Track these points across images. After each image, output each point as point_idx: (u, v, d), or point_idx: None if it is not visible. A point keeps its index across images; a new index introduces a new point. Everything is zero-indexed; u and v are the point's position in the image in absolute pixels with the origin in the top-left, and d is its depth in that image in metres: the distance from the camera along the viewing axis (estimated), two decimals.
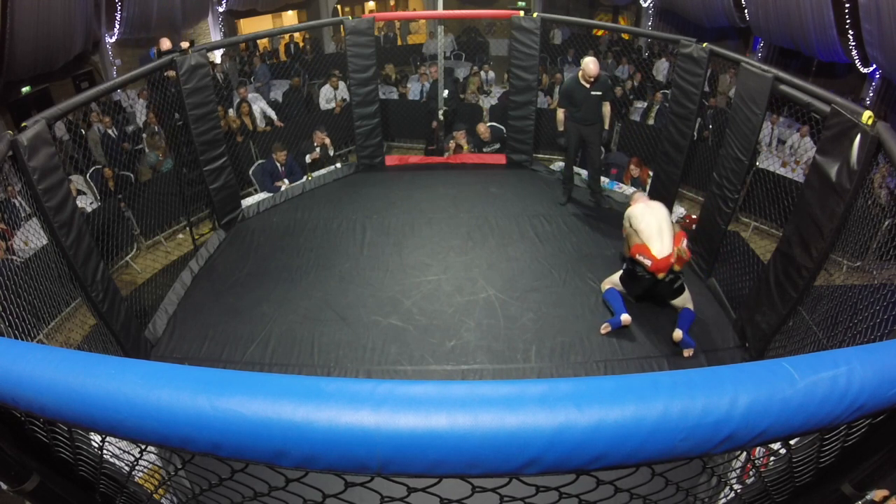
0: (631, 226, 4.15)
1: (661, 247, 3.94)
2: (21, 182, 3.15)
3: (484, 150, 7.20)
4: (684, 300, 4.15)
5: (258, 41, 11.74)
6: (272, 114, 8.45)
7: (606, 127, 5.64)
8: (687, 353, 3.98)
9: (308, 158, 6.74)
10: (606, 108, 5.55)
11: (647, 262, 3.92)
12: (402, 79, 10.12)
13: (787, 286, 3.47)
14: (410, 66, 12.12)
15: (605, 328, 4.15)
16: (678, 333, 3.93)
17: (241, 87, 8.51)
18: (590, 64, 5.29)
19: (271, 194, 6.21)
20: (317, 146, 6.83)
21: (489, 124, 7.40)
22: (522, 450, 0.68)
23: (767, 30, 9.94)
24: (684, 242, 3.95)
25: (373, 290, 4.65)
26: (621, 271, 4.29)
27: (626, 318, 4.08)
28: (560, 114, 5.75)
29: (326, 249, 5.23)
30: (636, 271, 4.03)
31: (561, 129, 5.82)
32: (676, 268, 3.96)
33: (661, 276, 3.95)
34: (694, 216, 4.31)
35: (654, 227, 4.00)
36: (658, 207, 4.16)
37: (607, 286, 4.39)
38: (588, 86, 5.38)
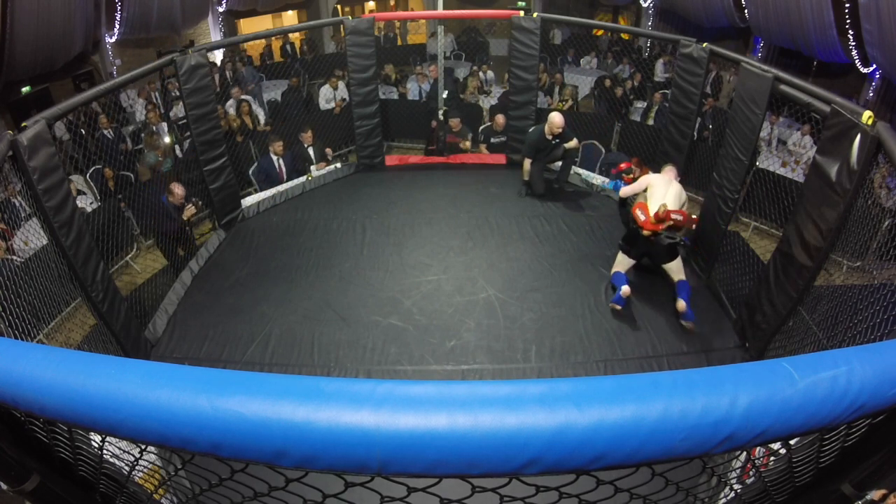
0: (645, 190, 4.35)
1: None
2: (21, 182, 3.14)
3: (492, 140, 7.18)
4: (677, 267, 4.32)
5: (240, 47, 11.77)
6: (261, 115, 8.43)
7: (571, 144, 5.86)
8: (688, 326, 4.13)
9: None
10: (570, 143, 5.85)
11: (641, 217, 4.08)
12: (402, 79, 10.11)
13: (787, 286, 3.46)
14: (410, 66, 12.13)
15: (613, 306, 4.32)
16: (682, 304, 4.13)
17: (235, 87, 8.51)
18: (555, 118, 5.62)
19: (271, 194, 6.21)
20: (308, 147, 6.79)
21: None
22: (522, 450, 0.68)
23: (767, 30, 9.95)
24: (682, 216, 4.07)
25: (373, 290, 4.64)
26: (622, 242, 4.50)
27: (625, 289, 4.25)
28: (526, 164, 5.95)
29: (326, 249, 5.23)
30: (633, 229, 4.22)
31: (526, 178, 6.04)
32: (669, 224, 4.06)
33: (646, 232, 4.09)
34: (694, 216, 4.35)
35: (661, 194, 4.20)
36: (676, 186, 4.30)
37: (614, 270, 4.57)
38: (552, 138, 5.72)
